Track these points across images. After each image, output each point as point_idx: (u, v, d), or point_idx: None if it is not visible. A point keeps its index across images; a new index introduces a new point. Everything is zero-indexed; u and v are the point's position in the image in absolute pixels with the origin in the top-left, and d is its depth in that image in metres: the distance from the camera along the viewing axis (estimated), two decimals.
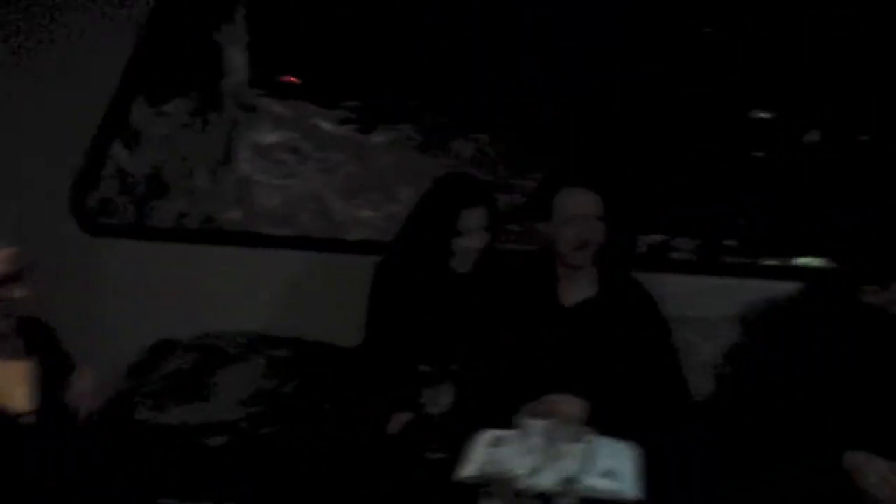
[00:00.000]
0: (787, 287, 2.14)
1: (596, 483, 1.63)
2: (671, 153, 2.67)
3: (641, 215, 2.64)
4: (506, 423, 1.74)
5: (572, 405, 1.87)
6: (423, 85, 2.94)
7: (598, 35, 2.73)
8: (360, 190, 2.98)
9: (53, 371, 1.83)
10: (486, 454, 1.70)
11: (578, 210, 2.01)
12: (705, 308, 2.28)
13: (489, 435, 1.76)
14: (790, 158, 2.59)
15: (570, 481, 1.56)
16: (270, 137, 3.05)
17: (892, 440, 1.67)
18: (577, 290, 2.06)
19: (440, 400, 1.72)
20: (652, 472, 1.69)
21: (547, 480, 1.58)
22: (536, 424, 1.58)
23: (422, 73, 2.93)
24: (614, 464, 1.69)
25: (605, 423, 1.79)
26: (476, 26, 2.85)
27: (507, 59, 2.83)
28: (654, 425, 1.85)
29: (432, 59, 2.92)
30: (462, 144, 2.95)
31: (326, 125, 3.02)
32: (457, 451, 1.71)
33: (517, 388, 1.85)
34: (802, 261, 2.53)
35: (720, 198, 2.63)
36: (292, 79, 3.04)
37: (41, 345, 1.86)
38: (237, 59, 3.05)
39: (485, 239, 2.06)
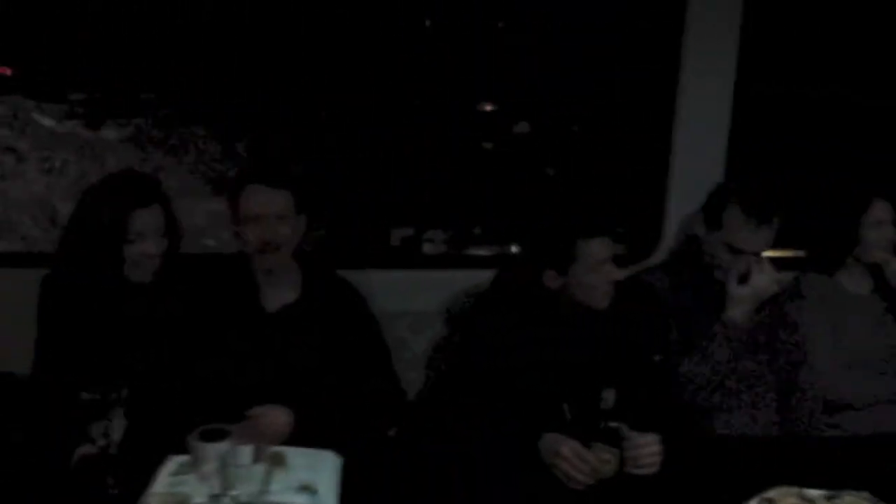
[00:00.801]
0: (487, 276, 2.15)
1: (290, 499, 1.54)
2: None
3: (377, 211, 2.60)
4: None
5: (276, 415, 1.77)
6: (157, 74, 2.73)
7: (351, 39, 2.65)
8: None
9: None
10: (167, 484, 1.56)
11: (259, 210, 1.87)
12: (417, 302, 2.26)
13: (173, 462, 1.62)
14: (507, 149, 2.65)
15: None
16: None
17: (585, 421, 1.70)
18: (278, 293, 1.94)
19: (110, 430, 1.55)
20: (359, 480, 1.62)
21: None
22: (209, 447, 1.45)
23: (156, 60, 2.72)
24: (312, 476, 1.61)
25: (312, 431, 1.71)
26: (211, 14, 2.68)
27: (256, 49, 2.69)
28: (364, 428, 1.80)
29: (170, 44, 2.71)
30: (208, 140, 2.78)
31: (47, 121, 2.75)
32: (138, 484, 1.56)
33: (216, 403, 1.71)
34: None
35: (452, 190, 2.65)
36: (3, 69, 2.73)
37: None
38: None
39: (161, 245, 1.88)
